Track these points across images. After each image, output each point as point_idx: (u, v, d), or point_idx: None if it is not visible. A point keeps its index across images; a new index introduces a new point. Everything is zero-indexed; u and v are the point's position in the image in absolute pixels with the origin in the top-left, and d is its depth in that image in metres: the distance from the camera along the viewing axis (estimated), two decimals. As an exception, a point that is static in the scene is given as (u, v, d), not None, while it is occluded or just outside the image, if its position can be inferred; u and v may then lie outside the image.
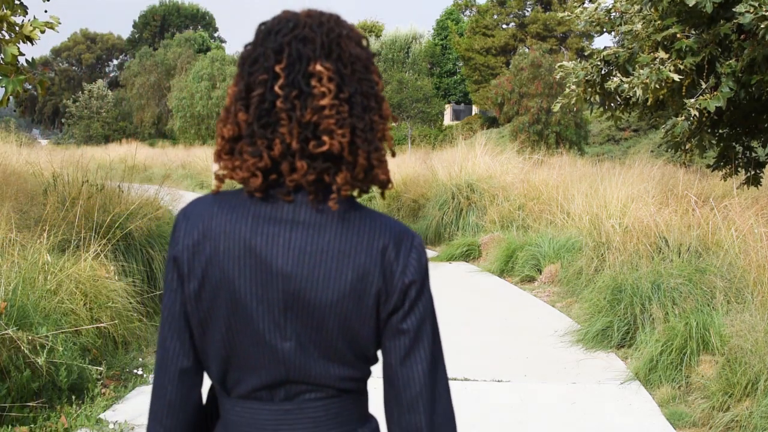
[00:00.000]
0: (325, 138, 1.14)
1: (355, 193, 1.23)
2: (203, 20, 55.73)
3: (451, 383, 1.36)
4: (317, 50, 1.15)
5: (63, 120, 48.57)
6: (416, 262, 1.20)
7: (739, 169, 7.54)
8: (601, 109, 7.74)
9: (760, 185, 7.50)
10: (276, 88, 1.14)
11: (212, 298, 1.18)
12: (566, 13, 8.07)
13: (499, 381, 4.75)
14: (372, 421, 1.29)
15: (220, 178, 1.22)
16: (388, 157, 1.23)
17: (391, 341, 1.21)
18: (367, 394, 1.29)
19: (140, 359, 4.97)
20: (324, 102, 1.14)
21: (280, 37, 1.16)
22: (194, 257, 1.19)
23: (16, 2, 5.31)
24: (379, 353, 1.26)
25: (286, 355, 1.18)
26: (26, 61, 5.29)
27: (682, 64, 6.14)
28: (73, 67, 56.85)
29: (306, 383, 1.20)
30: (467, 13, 40.20)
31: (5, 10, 5.20)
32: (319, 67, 1.14)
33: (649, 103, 6.56)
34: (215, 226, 1.18)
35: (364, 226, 1.18)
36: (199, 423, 1.29)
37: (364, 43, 1.21)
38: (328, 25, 1.18)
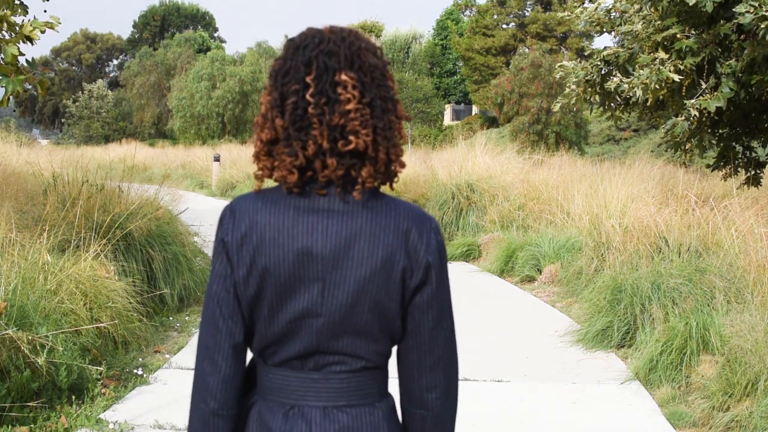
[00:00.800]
0: (352, 138, 1.31)
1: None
2: (203, 20, 55.70)
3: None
4: (341, 62, 1.33)
5: (63, 120, 48.56)
6: (435, 242, 1.39)
7: (739, 169, 7.54)
8: (601, 109, 7.74)
9: (760, 185, 7.50)
10: (307, 96, 1.32)
11: (259, 282, 1.35)
12: (566, 13, 8.08)
13: (499, 381, 4.75)
14: (389, 398, 1.45)
15: (259, 178, 1.39)
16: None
17: (423, 314, 1.39)
18: (387, 373, 1.44)
19: (140, 359, 4.97)
20: (349, 107, 1.31)
21: (308, 52, 1.34)
22: (242, 247, 1.35)
23: (16, 2, 5.31)
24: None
25: (318, 329, 1.35)
26: (26, 61, 5.29)
27: (682, 65, 6.14)
28: (73, 67, 56.83)
29: (334, 354, 1.36)
30: (467, 13, 40.19)
31: (5, 10, 5.20)
32: (344, 77, 1.32)
33: (649, 104, 6.56)
34: (260, 219, 1.35)
35: (389, 212, 1.36)
36: (243, 395, 1.43)
37: (379, 53, 1.39)
38: (349, 40, 1.35)
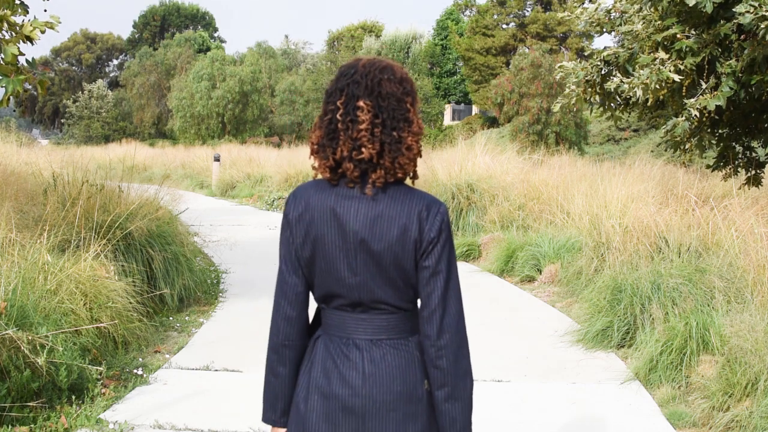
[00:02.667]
0: (363, 149, 1.76)
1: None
2: (203, 20, 55.69)
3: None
4: (362, 91, 1.77)
5: (63, 120, 48.53)
6: (439, 223, 1.80)
7: (739, 169, 7.53)
8: (601, 109, 7.73)
9: (761, 185, 7.49)
10: (338, 116, 1.78)
11: (312, 248, 1.82)
12: (566, 13, 8.07)
13: (499, 381, 4.75)
14: (417, 334, 1.87)
15: (315, 169, 1.85)
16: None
17: (422, 273, 1.81)
18: (417, 315, 1.86)
19: (140, 359, 4.97)
20: (363, 126, 1.75)
21: (344, 80, 1.80)
22: (299, 222, 1.83)
23: (17, 2, 5.30)
24: None
25: (357, 285, 1.81)
26: (26, 61, 5.28)
27: (682, 65, 6.13)
28: (73, 67, 56.80)
29: (373, 303, 1.82)
30: (467, 13, 40.18)
31: (5, 10, 5.20)
32: (362, 103, 1.76)
33: (649, 104, 6.55)
34: (313, 202, 1.82)
35: (406, 198, 1.80)
36: (306, 333, 1.91)
37: (403, 82, 1.81)
38: (374, 73, 1.78)
